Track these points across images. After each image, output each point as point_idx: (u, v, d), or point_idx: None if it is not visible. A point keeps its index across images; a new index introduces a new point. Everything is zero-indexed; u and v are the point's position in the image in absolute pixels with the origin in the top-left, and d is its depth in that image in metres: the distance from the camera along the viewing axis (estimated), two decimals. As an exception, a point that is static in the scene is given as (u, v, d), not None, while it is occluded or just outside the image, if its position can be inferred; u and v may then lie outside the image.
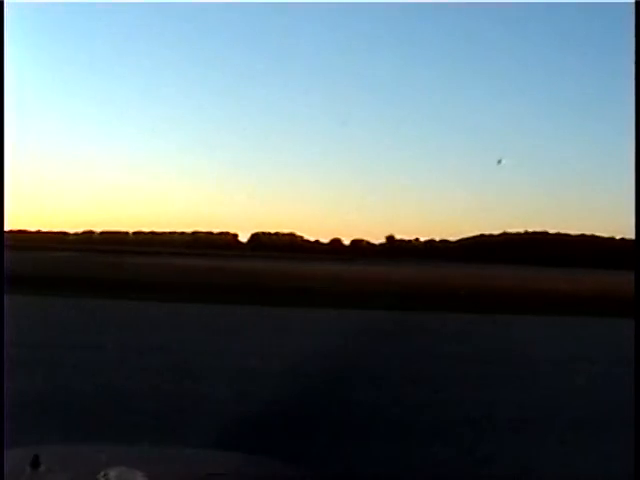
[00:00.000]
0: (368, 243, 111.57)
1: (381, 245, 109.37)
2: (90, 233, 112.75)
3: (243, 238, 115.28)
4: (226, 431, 7.79)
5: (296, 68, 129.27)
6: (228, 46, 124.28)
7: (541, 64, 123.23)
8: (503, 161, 62.93)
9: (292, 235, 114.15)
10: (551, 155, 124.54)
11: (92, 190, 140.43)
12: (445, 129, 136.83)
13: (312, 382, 11.26)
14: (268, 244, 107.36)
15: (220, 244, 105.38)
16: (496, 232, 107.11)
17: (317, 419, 8.98)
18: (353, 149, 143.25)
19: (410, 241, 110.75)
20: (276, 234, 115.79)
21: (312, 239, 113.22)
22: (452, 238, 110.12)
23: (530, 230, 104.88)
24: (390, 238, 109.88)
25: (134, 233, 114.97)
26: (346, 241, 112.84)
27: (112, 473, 2.22)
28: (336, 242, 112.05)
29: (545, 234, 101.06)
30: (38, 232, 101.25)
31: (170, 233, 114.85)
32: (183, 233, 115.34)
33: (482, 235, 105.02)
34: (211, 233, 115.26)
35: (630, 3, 2.86)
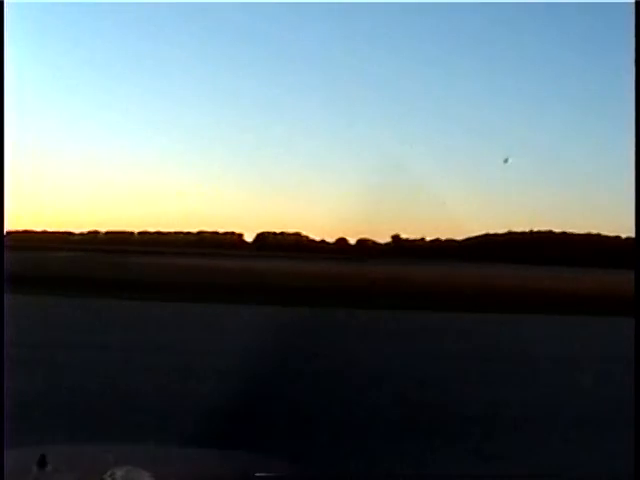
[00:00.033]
0: (374, 242, 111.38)
1: (387, 244, 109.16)
2: (95, 233, 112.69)
3: (249, 238, 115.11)
4: (232, 430, 7.81)
5: (302, 67, 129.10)
6: (233, 44, 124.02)
7: (548, 64, 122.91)
8: (510, 160, 62.70)
9: (298, 235, 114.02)
10: (557, 154, 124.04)
11: (97, 190, 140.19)
12: (450, 128, 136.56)
13: (318, 381, 11.30)
14: (274, 244, 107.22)
15: (225, 244, 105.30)
16: (501, 231, 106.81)
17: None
18: (359, 148, 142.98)
19: (416, 240, 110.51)
20: (282, 234, 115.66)
21: (318, 239, 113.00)
22: (458, 237, 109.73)
23: (535, 229, 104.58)
24: (396, 237, 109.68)
25: (139, 233, 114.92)
26: (352, 241, 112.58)
27: (119, 473, 2.23)
28: (342, 242, 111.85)
29: (550, 233, 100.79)
30: (44, 232, 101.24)
31: (175, 233, 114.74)
32: (188, 233, 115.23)
33: (487, 234, 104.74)
34: (216, 233, 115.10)
35: (630, 3, 2.86)
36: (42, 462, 2.29)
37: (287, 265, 50.67)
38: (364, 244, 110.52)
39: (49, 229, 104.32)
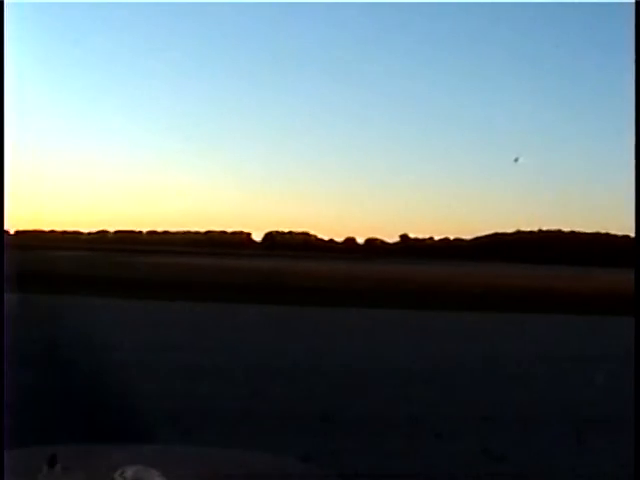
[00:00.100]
0: (382, 242, 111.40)
1: (395, 244, 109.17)
2: (104, 232, 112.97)
3: (257, 237, 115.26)
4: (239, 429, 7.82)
5: (311, 66, 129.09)
6: (238, 44, 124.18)
7: (555, 64, 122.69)
8: (520, 159, 62.49)
9: (306, 234, 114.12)
10: (566, 153, 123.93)
11: (105, 190, 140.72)
12: (459, 128, 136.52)
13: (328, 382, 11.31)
14: (282, 243, 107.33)
15: (234, 243, 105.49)
16: (510, 230, 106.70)
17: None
18: (367, 148, 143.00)
19: (424, 240, 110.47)
20: (290, 233, 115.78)
21: (326, 238, 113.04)
22: (466, 237, 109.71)
23: (544, 229, 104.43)
24: (404, 237, 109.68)
25: (148, 232, 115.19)
26: (360, 240, 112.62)
27: (129, 472, 2.23)
28: (350, 241, 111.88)
29: (559, 232, 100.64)
30: (52, 232, 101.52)
31: (184, 232, 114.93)
32: (197, 232, 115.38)
33: (496, 234, 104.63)
34: (225, 232, 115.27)
35: (630, 3, 2.84)
36: (52, 461, 2.28)
37: (297, 265, 50.70)
38: (372, 243, 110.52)
39: (57, 229, 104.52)
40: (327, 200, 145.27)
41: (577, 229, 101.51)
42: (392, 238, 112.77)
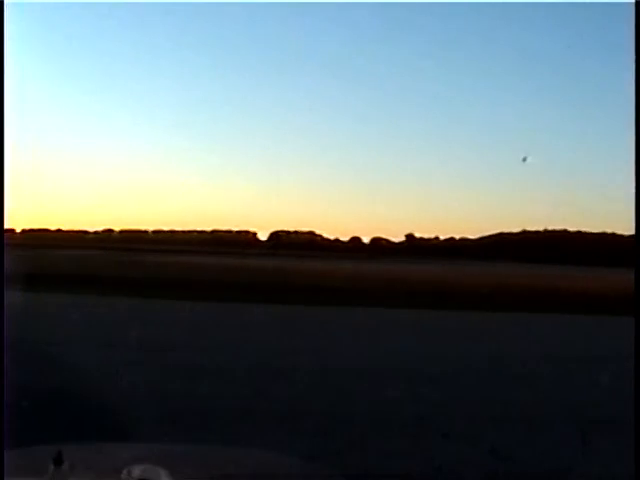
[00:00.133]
0: (387, 241, 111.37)
1: (401, 243, 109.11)
2: (110, 232, 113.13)
3: (262, 236, 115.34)
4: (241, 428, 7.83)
5: (317, 65, 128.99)
6: (245, 41, 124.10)
7: (563, 63, 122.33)
8: (528, 159, 62.32)
9: (311, 233, 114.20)
10: (572, 152, 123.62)
11: (111, 189, 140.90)
12: (466, 127, 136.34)
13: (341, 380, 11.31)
14: (287, 242, 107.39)
15: (240, 242, 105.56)
16: (516, 230, 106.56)
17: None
18: (373, 147, 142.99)
19: (430, 239, 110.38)
20: (295, 232, 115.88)
21: (331, 237, 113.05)
22: (472, 236, 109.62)
23: (550, 228, 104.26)
24: (410, 236, 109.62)
25: (153, 232, 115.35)
26: (365, 239, 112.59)
27: (136, 471, 2.23)
28: (355, 240, 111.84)
29: (565, 232, 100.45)
30: (59, 231, 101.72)
31: (189, 232, 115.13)
32: (203, 231, 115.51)
33: (502, 233, 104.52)
34: (230, 231, 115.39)
35: (630, 3, 2.84)
36: (59, 459, 2.28)
37: (302, 264, 50.69)
38: (378, 243, 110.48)
39: (64, 228, 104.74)
40: (333, 199, 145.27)
41: (583, 229, 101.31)
42: (398, 237, 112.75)
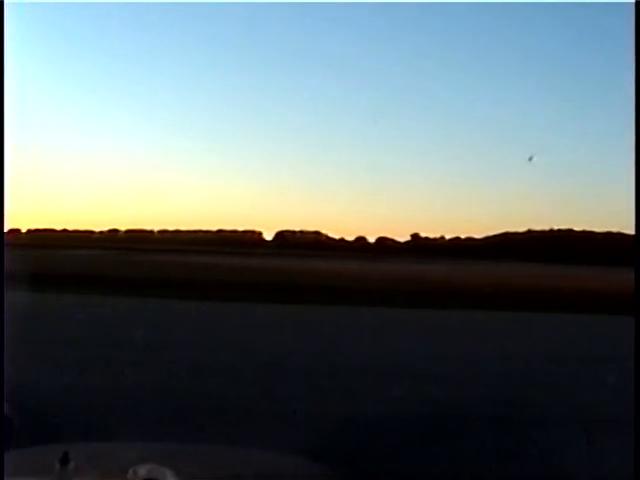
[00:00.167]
0: (393, 241, 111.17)
1: (406, 243, 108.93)
2: (115, 231, 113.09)
3: (268, 236, 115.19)
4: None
5: (321, 65, 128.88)
6: (244, 42, 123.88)
7: (569, 62, 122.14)
8: (534, 158, 62.01)
9: (317, 233, 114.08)
10: (577, 152, 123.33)
11: (116, 189, 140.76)
12: (471, 126, 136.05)
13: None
14: (293, 242, 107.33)
15: (245, 242, 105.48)
16: (521, 230, 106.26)
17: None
18: (378, 147, 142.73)
19: (435, 239, 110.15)
20: (301, 232, 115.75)
21: (337, 237, 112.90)
22: (477, 236, 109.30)
23: (555, 228, 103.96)
24: (415, 236, 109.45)
25: (159, 231, 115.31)
26: (371, 239, 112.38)
27: (142, 470, 2.24)
28: (361, 240, 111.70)
29: (570, 232, 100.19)
30: (64, 231, 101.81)
31: (195, 231, 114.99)
32: (208, 231, 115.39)
33: (507, 233, 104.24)
34: (236, 231, 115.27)
35: (630, 3, 2.84)
36: (65, 459, 2.30)
37: (307, 263, 50.72)
38: (383, 242, 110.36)
39: (69, 228, 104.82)
40: (338, 199, 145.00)
41: (588, 228, 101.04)
42: (403, 237, 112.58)
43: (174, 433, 7.51)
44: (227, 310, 21.81)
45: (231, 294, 24.96)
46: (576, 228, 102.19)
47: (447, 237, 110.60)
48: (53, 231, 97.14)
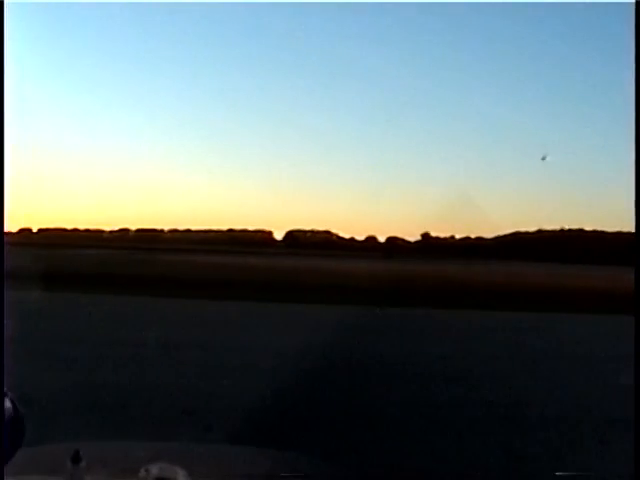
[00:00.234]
0: (403, 241, 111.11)
1: (417, 242, 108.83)
2: (125, 231, 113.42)
3: (278, 236, 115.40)
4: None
5: (326, 64, 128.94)
6: (245, 42, 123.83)
7: (575, 63, 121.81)
8: (548, 157, 61.79)
9: (327, 232, 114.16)
10: (588, 151, 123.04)
11: (126, 189, 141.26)
12: (482, 126, 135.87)
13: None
14: (303, 242, 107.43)
15: (255, 242, 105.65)
16: (532, 229, 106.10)
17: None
18: (389, 147, 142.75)
19: (445, 238, 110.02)
20: (311, 231, 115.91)
21: (347, 236, 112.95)
22: (488, 236, 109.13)
23: (566, 227, 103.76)
24: (425, 235, 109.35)
25: (169, 231, 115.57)
26: (381, 239, 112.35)
27: (154, 469, 2.23)
28: (371, 239, 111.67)
29: (581, 231, 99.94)
30: (75, 230, 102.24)
31: (205, 231, 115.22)
32: (218, 231, 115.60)
33: (518, 232, 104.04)
34: (246, 230, 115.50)
35: (630, 3, 2.82)
36: (76, 458, 2.29)
37: (318, 263, 50.72)
38: (394, 242, 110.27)
39: (80, 227, 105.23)
40: (348, 199, 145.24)
41: (599, 228, 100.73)
42: (413, 237, 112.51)
43: (186, 433, 7.54)
44: (236, 309, 21.83)
45: (241, 293, 25.00)
46: (587, 228, 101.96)
47: (457, 237, 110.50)
48: (64, 230, 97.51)
